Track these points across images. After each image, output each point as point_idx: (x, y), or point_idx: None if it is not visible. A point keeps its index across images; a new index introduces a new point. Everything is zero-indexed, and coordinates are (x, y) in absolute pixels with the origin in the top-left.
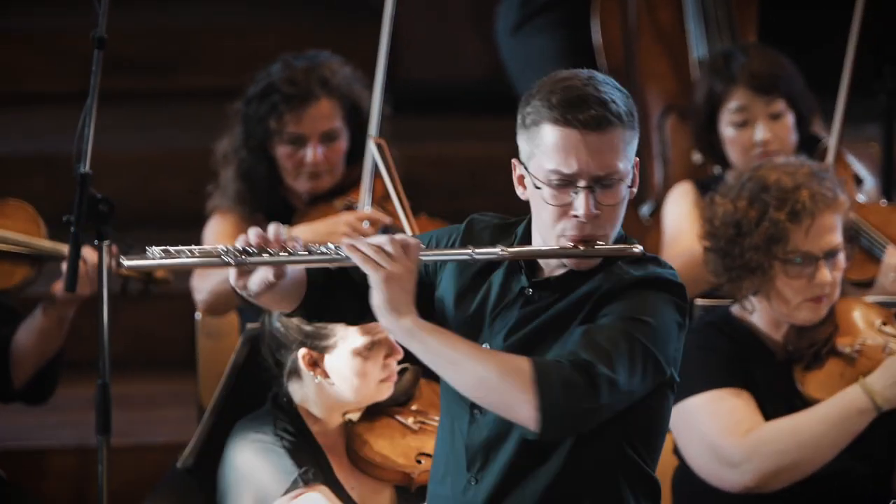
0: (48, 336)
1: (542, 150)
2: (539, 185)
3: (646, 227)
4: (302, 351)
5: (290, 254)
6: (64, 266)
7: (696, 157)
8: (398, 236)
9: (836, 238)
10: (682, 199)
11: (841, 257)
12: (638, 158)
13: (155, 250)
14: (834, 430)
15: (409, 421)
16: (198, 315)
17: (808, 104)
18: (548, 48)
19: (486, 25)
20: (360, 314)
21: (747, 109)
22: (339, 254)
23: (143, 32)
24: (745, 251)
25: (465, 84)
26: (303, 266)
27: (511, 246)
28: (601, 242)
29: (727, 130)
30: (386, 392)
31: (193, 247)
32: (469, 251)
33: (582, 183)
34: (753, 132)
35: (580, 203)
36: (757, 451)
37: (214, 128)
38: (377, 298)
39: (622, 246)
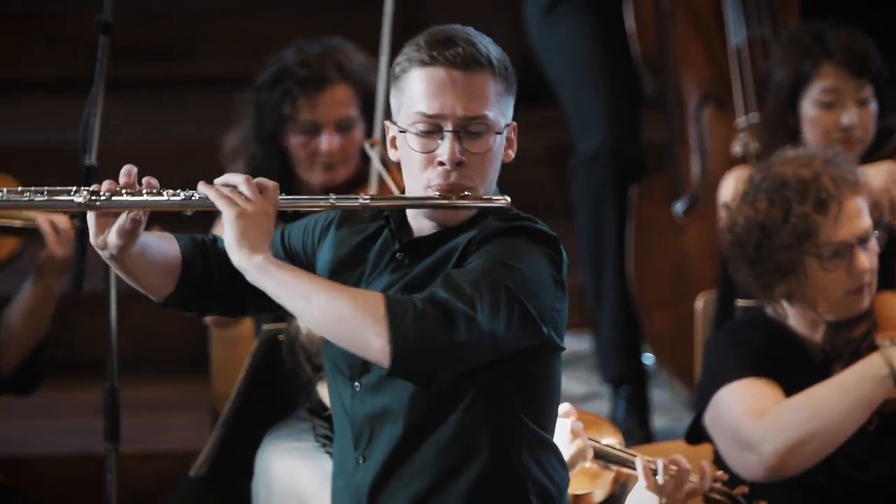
0: (36, 313)
1: (408, 95)
2: (404, 129)
3: (680, 225)
4: None
5: (143, 198)
6: (49, 232)
7: (737, 148)
8: (258, 179)
9: (866, 221)
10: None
11: (874, 241)
12: (515, 123)
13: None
14: (848, 398)
15: None
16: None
17: (887, 95)
18: (579, 32)
19: (514, 9)
20: (241, 306)
21: (837, 91)
22: (194, 197)
23: (149, 17)
24: (774, 253)
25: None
26: (160, 208)
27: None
28: (468, 193)
29: (811, 111)
30: None
31: (43, 188)
32: (329, 198)
33: (448, 127)
34: (840, 115)
35: (445, 148)
36: (772, 428)
37: (224, 117)
38: (229, 235)
39: (488, 196)
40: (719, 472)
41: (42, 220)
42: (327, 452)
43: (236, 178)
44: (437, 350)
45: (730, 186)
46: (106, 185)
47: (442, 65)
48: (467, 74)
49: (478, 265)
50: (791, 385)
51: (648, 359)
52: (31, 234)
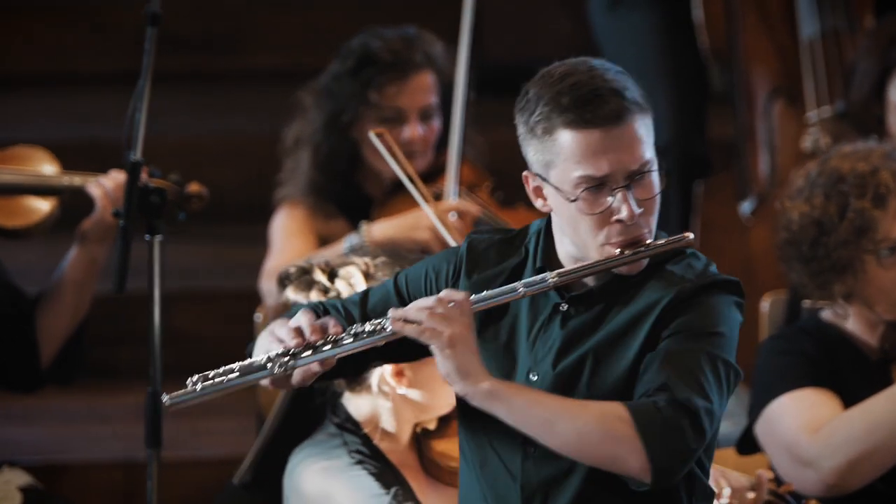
0: (80, 285)
1: (563, 158)
2: (571, 196)
3: (747, 226)
4: (386, 367)
5: (335, 344)
6: (100, 195)
7: (807, 143)
8: (444, 294)
9: None
10: None
11: None
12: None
13: (195, 381)
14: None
15: None
16: (257, 316)
17: None
18: (646, 25)
19: (576, 2)
20: (363, 366)
21: None
22: (386, 330)
23: (198, 7)
24: (831, 251)
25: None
26: (352, 352)
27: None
28: (648, 240)
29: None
30: None
31: (234, 365)
32: (518, 288)
33: (617, 183)
34: None
35: (621, 206)
36: (829, 444)
37: (274, 112)
38: (445, 367)
39: (674, 238)
40: (769, 475)
41: (91, 185)
42: (366, 470)
43: (428, 302)
44: (690, 454)
45: None
46: (292, 341)
47: (598, 126)
48: (623, 127)
49: (688, 341)
50: (849, 392)
51: None
52: (70, 196)
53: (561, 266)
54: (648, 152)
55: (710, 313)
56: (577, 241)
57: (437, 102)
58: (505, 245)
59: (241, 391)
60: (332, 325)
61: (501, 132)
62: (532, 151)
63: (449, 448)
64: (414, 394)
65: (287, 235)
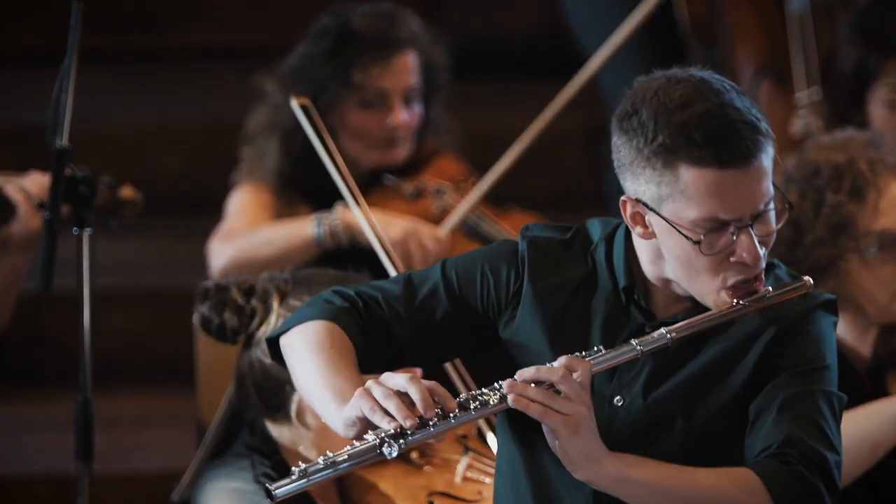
0: (2, 295)
1: (686, 195)
2: (693, 237)
3: None
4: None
5: (448, 419)
6: (21, 201)
7: (797, 127)
8: (566, 364)
9: None
10: None
11: None
12: None
13: (303, 470)
14: (846, 437)
15: (412, 456)
16: (196, 317)
17: None
18: None
19: None
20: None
21: None
22: (503, 404)
23: None
24: (809, 251)
25: (519, 42)
26: (463, 425)
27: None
28: (769, 288)
29: (878, 110)
30: None
31: (344, 451)
32: (637, 348)
33: (741, 223)
34: None
35: (745, 248)
36: None
37: (217, 93)
38: (571, 453)
39: (794, 286)
40: None
41: (11, 188)
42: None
43: (552, 376)
44: None
45: None
46: (408, 421)
47: (734, 167)
48: (758, 163)
49: (807, 386)
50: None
51: None
52: None
53: (648, 285)
54: (771, 186)
55: (817, 344)
56: (685, 280)
57: (420, 84)
58: (567, 249)
59: (180, 400)
60: (445, 397)
61: (462, 116)
62: (642, 180)
63: (372, 483)
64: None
65: (249, 206)
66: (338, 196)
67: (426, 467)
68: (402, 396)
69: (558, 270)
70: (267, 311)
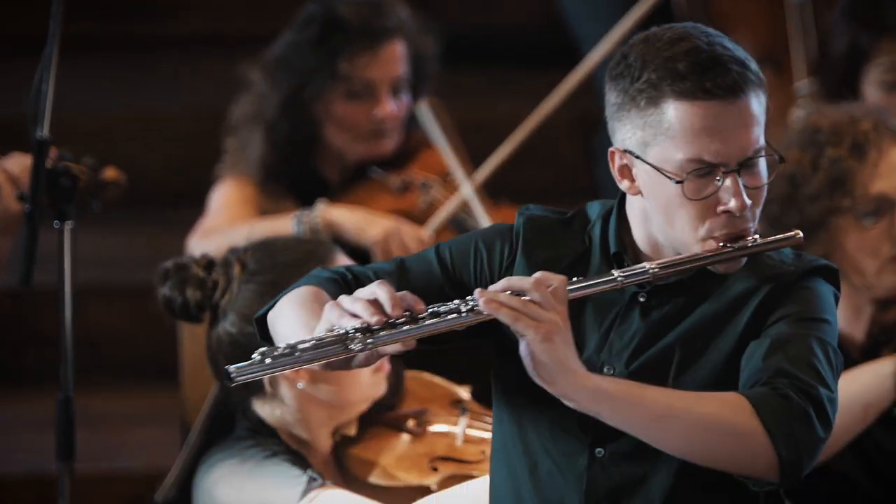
0: None
1: (670, 134)
2: (676, 178)
3: None
4: None
5: (418, 322)
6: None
7: (797, 116)
8: (539, 276)
9: None
10: None
11: None
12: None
13: (262, 353)
14: (865, 380)
15: (410, 425)
16: None
17: None
18: None
19: None
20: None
21: None
22: (475, 311)
23: None
24: (803, 206)
25: (513, 32)
26: (435, 332)
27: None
28: (757, 237)
29: (873, 91)
30: (381, 387)
31: (307, 339)
32: (616, 277)
33: (728, 168)
34: None
35: (731, 195)
36: None
37: (205, 84)
38: (545, 361)
39: (782, 236)
40: None
41: None
42: (283, 459)
43: (524, 283)
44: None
45: None
46: (374, 317)
47: (718, 98)
48: (743, 102)
49: (803, 331)
50: None
51: None
52: None
53: (638, 252)
54: (762, 135)
55: (815, 299)
56: (671, 231)
57: (409, 74)
58: (565, 227)
59: (164, 397)
60: (414, 300)
61: (456, 107)
62: (628, 126)
63: (371, 457)
64: (319, 391)
65: (231, 202)
66: (323, 191)
67: (424, 434)
68: (372, 302)
69: (553, 246)
70: (229, 281)
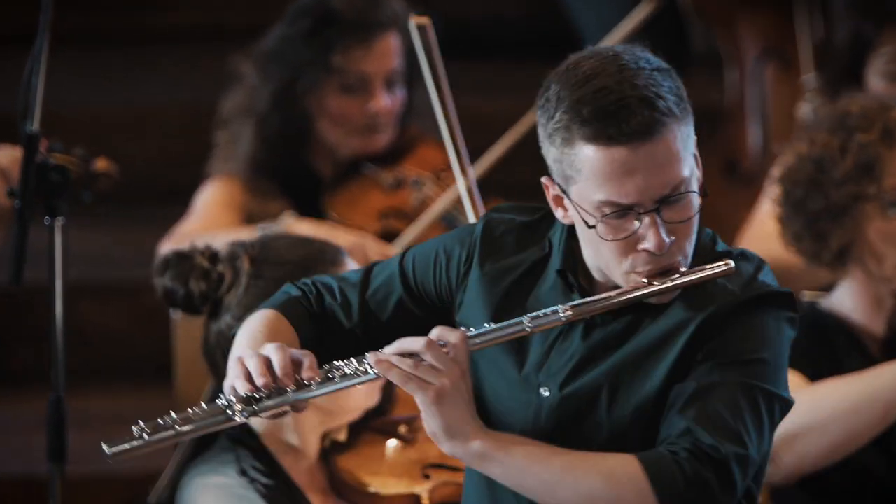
0: None
1: (583, 176)
2: (591, 221)
3: (734, 205)
4: None
5: (307, 388)
6: None
7: (803, 112)
8: (436, 334)
9: None
10: None
11: None
12: (695, 137)
13: (143, 429)
14: (858, 392)
15: (401, 431)
16: (175, 312)
17: None
18: None
19: None
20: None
21: None
22: (368, 373)
23: None
24: (829, 191)
25: (511, 24)
26: (323, 395)
27: (571, 301)
28: (682, 268)
29: (876, 82)
30: (375, 396)
31: (191, 410)
32: (525, 324)
33: (645, 208)
34: None
35: (649, 235)
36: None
37: (194, 78)
38: (432, 424)
39: (713, 269)
40: None
41: None
42: (257, 490)
43: (416, 345)
44: None
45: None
46: (261, 380)
47: (622, 144)
48: (654, 143)
49: (725, 376)
50: None
51: None
52: None
53: (585, 272)
54: (685, 169)
55: (751, 335)
56: (599, 263)
57: (403, 67)
58: (526, 231)
59: (157, 397)
60: (306, 367)
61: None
62: (551, 159)
63: (361, 463)
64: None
65: (212, 205)
66: (314, 187)
67: (416, 440)
68: (267, 366)
69: (510, 252)
70: (236, 275)
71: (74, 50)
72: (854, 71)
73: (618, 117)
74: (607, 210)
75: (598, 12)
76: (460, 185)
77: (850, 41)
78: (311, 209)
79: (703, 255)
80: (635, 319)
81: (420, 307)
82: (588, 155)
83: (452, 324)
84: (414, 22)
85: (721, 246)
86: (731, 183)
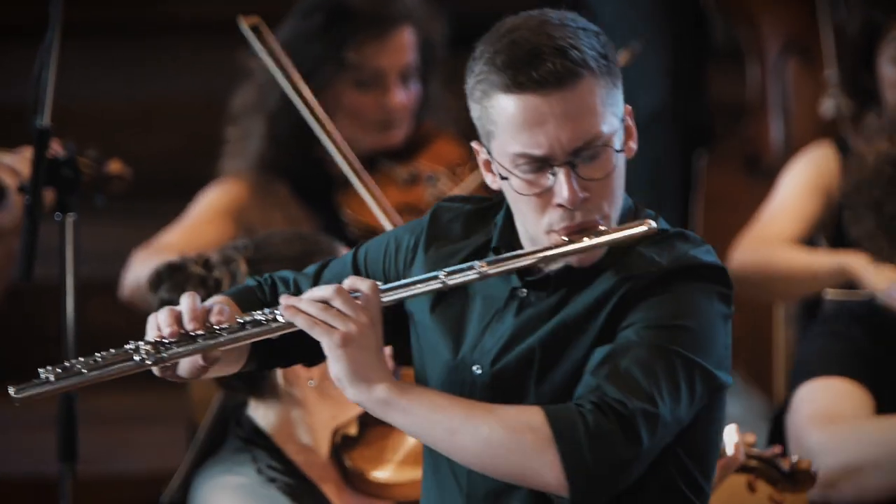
0: None
1: (500, 128)
2: (505, 174)
3: (757, 201)
4: None
5: (216, 335)
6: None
7: (826, 107)
8: (348, 282)
9: None
10: (807, 168)
11: None
12: (629, 107)
13: (48, 372)
14: None
15: None
16: None
17: None
18: None
19: None
20: (318, 354)
21: None
22: (278, 321)
23: None
24: None
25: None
26: (237, 344)
27: (493, 248)
28: (602, 227)
29: (888, 70)
30: None
31: (98, 354)
32: (440, 278)
33: (558, 161)
34: None
35: (561, 188)
36: (833, 440)
37: (206, 70)
38: (336, 369)
39: (630, 226)
40: (748, 436)
41: (1, 172)
42: (278, 488)
43: (326, 292)
44: (621, 466)
45: (810, 166)
46: (167, 328)
47: (532, 90)
48: (566, 92)
49: (643, 338)
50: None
51: None
52: None
53: (518, 246)
54: (603, 125)
55: (675, 303)
56: (524, 224)
57: (418, 61)
58: (475, 217)
59: (170, 396)
60: (216, 311)
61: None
62: (475, 117)
63: (374, 455)
64: (330, 387)
65: (204, 214)
66: (326, 185)
67: None
68: (176, 316)
69: (456, 238)
70: (233, 278)
71: (85, 43)
72: (867, 59)
73: (530, 65)
74: (521, 162)
75: (614, 6)
76: (345, 169)
77: (862, 30)
78: (323, 207)
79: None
80: (566, 294)
81: None
82: (502, 105)
83: (403, 315)
84: (245, 24)
85: (663, 224)
86: (752, 179)
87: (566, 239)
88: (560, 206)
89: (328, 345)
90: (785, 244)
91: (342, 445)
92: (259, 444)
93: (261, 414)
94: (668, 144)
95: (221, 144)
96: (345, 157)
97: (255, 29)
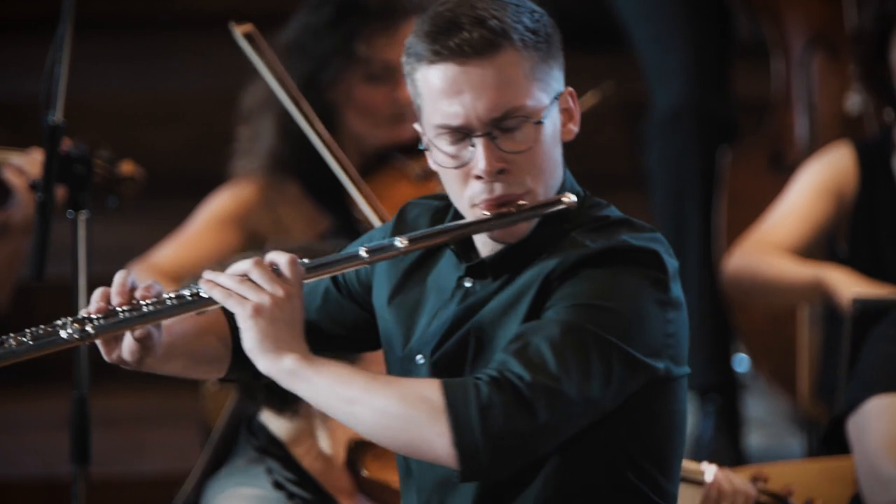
0: (1, 283)
1: (423, 99)
2: (430, 147)
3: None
4: None
5: (139, 309)
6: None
7: (852, 102)
8: (270, 256)
9: None
10: (821, 169)
11: None
12: (570, 89)
13: None
14: None
15: None
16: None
17: None
18: None
19: None
20: (317, 351)
21: None
22: (200, 296)
23: None
24: None
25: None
26: (164, 320)
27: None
28: (523, 202)
29: None
30: None
31: (28, 331)
32: (361, 254)
33: (476, 132)
34: None
35: (478, 159)
36: None
37: (219, 65)
38: (246, 339)
39: (550, 203)
40: (762, 471)
41: (9, 171)
42: (291, 500)
43: (245, 265)
44: (515, 441)
45: (824, 168)
46: (95, 305)
47: (449, 59)
48: (483, 62)
49: (559, 316)
50: None
51: (741, 363)
52: None
53: (471, 240)
54: (528, 99)
55: (597, 284)
56: (454, 200)
57: None
58: (439, 214)
59: (183, 397)
60: (142, 287)
61: None
62: (410, 95)
63: (387, 463)
64: None
65: (204, 224)
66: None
67: None
68: (104, 293)
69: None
70: None
71: (98, 36)
72: (880, 50)
73: (447, 33)
74: (442, 132)
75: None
76: (337, 170)
77: (875, 17)
78: (336, 205)
79: (581, 215)
80: (507, 280)
81: (347, 297)
82: (425, 76)
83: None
84: (238, 31)
85: (614, 213)
86: (776, 175)
87: (488, 214)
88: (479, 177)
89: (240, 315)
90: (775, 251)
91: (356, 454)
92: (274, 453)
93: (275, 422)
94: (692, 140)
95: (235, 141)
96: (339, 162)
97: (248, 36)
